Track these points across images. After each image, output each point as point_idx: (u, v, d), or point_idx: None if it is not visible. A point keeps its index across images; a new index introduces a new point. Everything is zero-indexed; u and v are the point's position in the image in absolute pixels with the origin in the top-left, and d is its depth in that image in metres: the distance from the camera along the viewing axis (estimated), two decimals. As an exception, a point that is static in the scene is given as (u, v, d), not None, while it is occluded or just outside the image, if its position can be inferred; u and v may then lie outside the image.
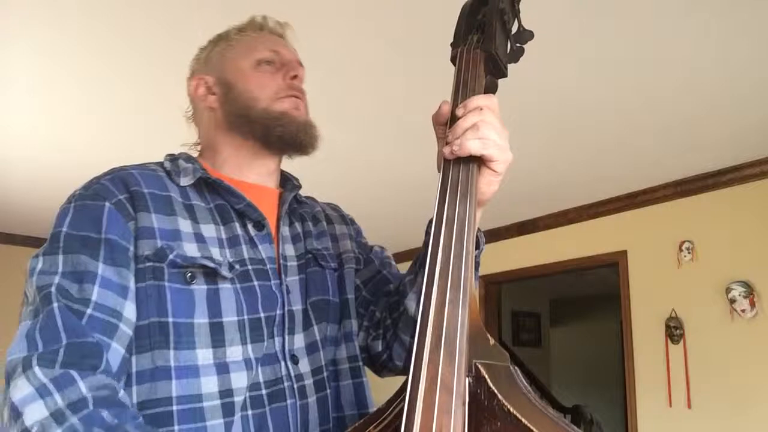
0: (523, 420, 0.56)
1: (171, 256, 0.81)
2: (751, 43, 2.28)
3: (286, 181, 1.04)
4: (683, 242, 3.71)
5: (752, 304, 3.35)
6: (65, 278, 0.77)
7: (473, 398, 0.60)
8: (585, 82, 2.60)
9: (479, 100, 0.80)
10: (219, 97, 0.97)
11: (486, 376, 0.60)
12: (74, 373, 0.70)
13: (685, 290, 3.68)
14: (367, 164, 3.59)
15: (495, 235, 4.76)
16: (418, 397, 0.60)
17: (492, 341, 0.62)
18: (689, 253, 3.68)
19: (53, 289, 0.75)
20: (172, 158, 0.96)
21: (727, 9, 2.08)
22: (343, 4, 2.08)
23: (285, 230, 0.96)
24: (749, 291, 3.37)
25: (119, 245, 0.80)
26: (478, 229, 0.90)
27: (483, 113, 0.78)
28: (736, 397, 3.38)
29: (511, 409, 0.57)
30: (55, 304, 0.74)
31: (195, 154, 1.01)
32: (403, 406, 0.60)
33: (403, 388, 0.64)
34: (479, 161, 0.79)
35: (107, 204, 0.81)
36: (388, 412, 0.65)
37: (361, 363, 0.97)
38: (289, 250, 0.94)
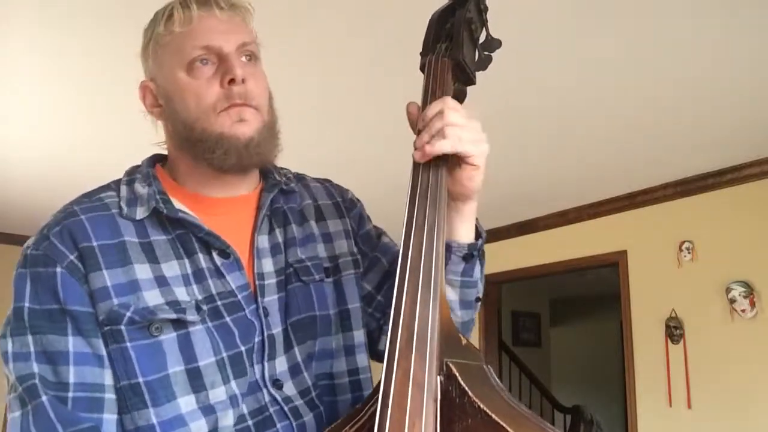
0: (494, 416, 0.56)
1: (128, 314, 0.77)
2: (751, 43, 2.27)
3: (268, 175, 0.94)
4: (683, 242, 3.71)
5: (752, 304, 3.34)
6: (40, 362, 0.76)
7: (444, 396, 0.60)
8: (585, 82, 2.59)
9: (435, 106, 0.79)
10: (164, 111, 0.89)
11: (457, 374, 0.60)
12: None
13: (685, 290, 3.67)
14: (359, 164, 3.59)
15: (495, 235, 4.74)
16: (390, 395, 0.61)
17: (464, 341, 0.63)
18: (689, 253, 3.67)
19: (37, 380, 0.74)
20: (130, 179, 0.89)
21: (726, 9, 2.07)
22: (338, 3, 2.08)
23: (263, 241, 0.89)
24: (749, 291, 3.36)
25: (82, 314, 0.77)
26: (477, 219, 0.89)
27: (444, 116, 0.77)
28: (736, 397, 3.37)
29: (482, 406, 0.57)
30: (44, 397, 0.74)
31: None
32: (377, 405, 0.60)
33: (377, 388, 0.64)
34: (449, 161, 0.79)
35: (59, 269, 0.78)
36: (363, 412, 0.66)
37: (365, 376, 0.92)
38: (267, 265, 0.88)
